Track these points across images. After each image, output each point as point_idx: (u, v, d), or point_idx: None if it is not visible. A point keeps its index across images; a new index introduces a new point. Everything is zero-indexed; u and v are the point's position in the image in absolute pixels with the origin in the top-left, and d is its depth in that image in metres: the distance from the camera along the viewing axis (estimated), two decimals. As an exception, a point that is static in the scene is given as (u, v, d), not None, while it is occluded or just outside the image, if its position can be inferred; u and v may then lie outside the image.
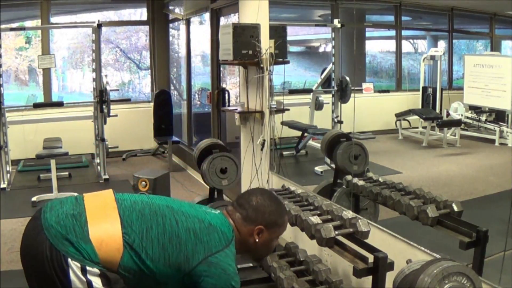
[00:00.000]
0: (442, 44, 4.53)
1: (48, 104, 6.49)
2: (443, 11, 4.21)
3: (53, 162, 5.13)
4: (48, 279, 1.51)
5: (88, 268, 1.50)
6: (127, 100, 7.10)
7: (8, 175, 5.85)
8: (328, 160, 4.03)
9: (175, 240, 1.60)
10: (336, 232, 2.24)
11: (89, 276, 1.50)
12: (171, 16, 7.51)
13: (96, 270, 1.50)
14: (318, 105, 4.84)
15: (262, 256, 1.93)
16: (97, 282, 1.50)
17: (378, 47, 5.32)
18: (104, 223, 1.58)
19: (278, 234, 1.85)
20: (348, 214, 2.30)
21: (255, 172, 4.25)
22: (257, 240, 1.76)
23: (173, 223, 1.63)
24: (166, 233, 1.60)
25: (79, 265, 1.49)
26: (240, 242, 1.75)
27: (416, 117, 4.13)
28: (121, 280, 1.56)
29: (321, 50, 6.03)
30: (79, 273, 1.49)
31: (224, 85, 5.80)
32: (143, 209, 1.64)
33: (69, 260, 1.49)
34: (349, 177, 3.15)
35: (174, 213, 1.67)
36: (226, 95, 5.35)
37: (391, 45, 5.01)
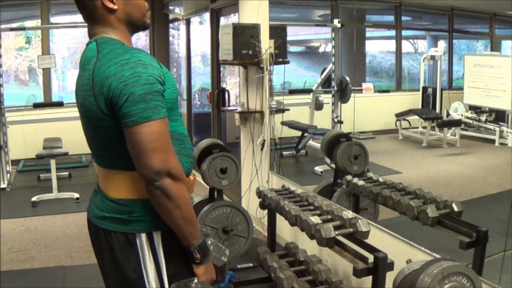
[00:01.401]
0: (442, 44, 4.54)
1: (48, 104, 6.49)
2: (443, 11, 4.21)
3: (53, 162, 5.13)
4: (120, 267, 1.47)
5: (154, 234, 1.45)
6: (127, 100, 7.09)
7: (8, 175, 5.86)
8: (328, 160, 4.03)
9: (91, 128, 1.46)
10: (336, 232, 2.23)
11: (155, 244, 1.46)
12: (171, 16, 7.51)
13: (159, 236, 1.45)
14: (318, 105, 4.84)
15: (140, 16, 1.50)
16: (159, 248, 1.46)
17: (378, 47, 5.33)
18: (112, 183, 1.50)
19: None
20: (348, 214, 2.30)
21: (255, 172, 4.25)
22: (114, 6, 1.43)
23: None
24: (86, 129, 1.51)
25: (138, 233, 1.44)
26: (116, 29, 1.46)
27: (416, 117, 4.14)
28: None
29: (321, 50, 6.03)
30: (146, 243, 1.45)
31: (224, 85, 5.80)
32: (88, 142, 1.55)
33: (136, 235, 1.44)
34: (349, 177, 3.15)
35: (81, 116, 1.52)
36: (226, 95, 5.35)
37: (391, 45, 5.02)
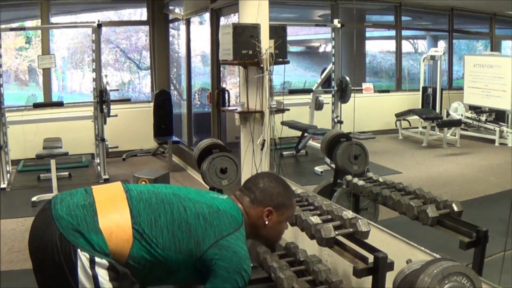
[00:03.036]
0: (442, 44, 4.53)
1: (48, 104, 6.49)
2: (443, 11, 4.21)
3: (53, 162, 5.13)
4: (56, 270, 1.49)
5: (97, 259, 1.49)
6: (127, 100, 7.10)
7: (8, 175, 5.86)
8: (328, 160, 4.03)
9: (185, 227, 1.60)
10: (336, 232, 2.24)
11: (97, 269, 1.48)
12: (171, 16, 7.51)
13: (105, 262, 1.49)
14: (318, 105, 4.84)
15: (273, 241, 1.90)
16: (104, 276, 1.49)
17: (378, 47, 5.32)
18: (113, 213, 1.57)
19: (287, 215, 1.85)
20: (348, 214, 2.30)
21: (255, 172, 4.25)
22: (266, 222, 1.76)
23: (181, 210, 1.63)
24: (175, 221, 1.60)
25: (88, 256, 1.48)
26: (250, 226, 1.76)
27: (416, 117, 4.14)
28: (129, 274, 1.54)
29: (321, 50, 6.03)
30: (87, 266, 1.47)
31: (224, 85, 5.80)
32: (150, 198, 1.64)
33: (79, 251, 1.48)
34: (349, 177, 3.15)
35: (181, 200, 1.67)
36: (226, 95, 5.35)
37: (391, 45, 5.01)
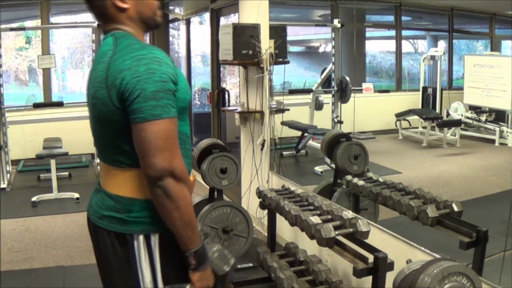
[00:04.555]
0: (442, 44, 4.54)
1: (48, 104, 6.49)
2: (443, 11, 4.21)
3: (53, 162, 5.13)
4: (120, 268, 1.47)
5: (151, 237, 1.44)
6: (127, 100, 7.09)
7: (8, 175, 5.86)
8: (328, 160, 4.03)
9: (96, 116, 1.45)
10: (336, 232, 2.24)
11: (152, 246, 1.45)
12: (171, 16, 7.51)
13: (157, 239, 1.44)
14: (318, 105, 4.84)
15: (151, 15, 1.50)
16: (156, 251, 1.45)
17: (378, 47, 5.33)
18: (114, 180, 1.49)
19: None
20: (348, 214, 2.30)
21: (255, 172, 4.25)
22: (125, 5, 1.44)
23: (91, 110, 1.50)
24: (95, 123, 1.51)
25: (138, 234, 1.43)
26: (130, 26, 1.47)
27: (416, 117, 4.14)
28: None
29: (321, 50, 6.04)
30: (144, 245, 1.44)
31: (224, 85, 5.80)
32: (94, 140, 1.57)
33: (134, 236, 1.43)
34: (349, 177, 3.15)
35: (91, 112, 1.52)
36: (226, 95, 5.35)
37: (391, 45, 5.01)
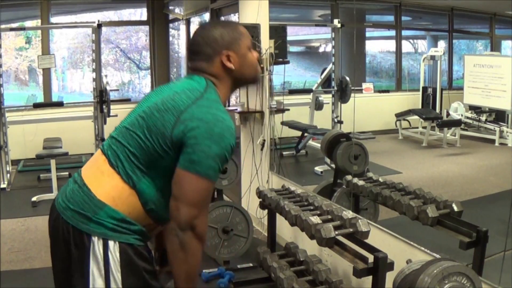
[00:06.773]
0: (442, 44, 4.54)
1: (48, 104, 6.48)
2: (443, 11, 4.21)
3: (53, 162, 5.13)
4: (68, 260, 1.46)
5: (109, 242, 1.43)
6: (127, 100, 7.08)
7: (8, 175, 5.85)
8: (328, 160, 4.03)
9: (148, 133, 1.48)
10: (336, 232, 2.23)
11: (109, 253, 1.43)
12: (171, 16, 7.52)
13: (116, 246, 1.43)
14: (318, 105, 4.84)
15: (253, 75, 1.65)
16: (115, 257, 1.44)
17: (378, 47, 5.33)
18: (102, 180, 1.49)
19: (245, 44, 1.62)
20: (348, 214, 2.30)
21: (255, 172, 4.25)
22: (232, 66, 1.57)
23: (140, 123, 1.50)
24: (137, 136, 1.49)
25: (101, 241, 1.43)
26: (224, 82, 1.59)
27: (416, 117, 4.14)
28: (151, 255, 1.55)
29: (321, 50, 6.04)
30: (100, 249, 1.43)
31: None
32: (116, 142, 1.52)
33: (92, 237, 1.42)
34: (349, 177, 3.15)
35: (140, 114, 1.53)
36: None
37: (391, 45, 5.02)
